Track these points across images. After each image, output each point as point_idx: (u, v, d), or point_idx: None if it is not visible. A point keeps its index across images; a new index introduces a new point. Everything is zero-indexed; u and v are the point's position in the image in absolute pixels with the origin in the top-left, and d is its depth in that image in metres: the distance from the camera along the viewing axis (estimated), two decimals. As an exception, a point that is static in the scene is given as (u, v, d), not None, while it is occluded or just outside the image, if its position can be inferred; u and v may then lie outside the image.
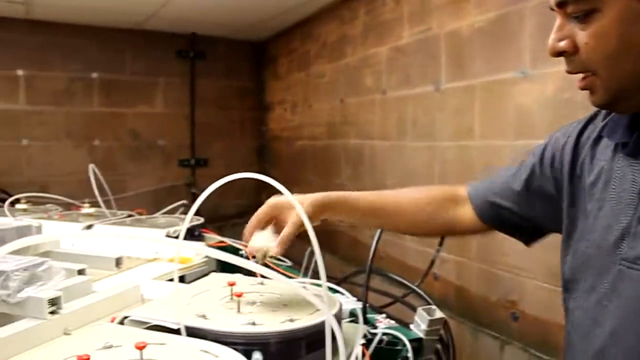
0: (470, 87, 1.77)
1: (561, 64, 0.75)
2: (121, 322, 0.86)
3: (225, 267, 1.76)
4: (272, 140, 3.67)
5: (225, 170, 3.65)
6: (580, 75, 0.74)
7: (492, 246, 1.74)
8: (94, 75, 3.12)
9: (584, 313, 0.83)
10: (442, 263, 1.90)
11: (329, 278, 1.14)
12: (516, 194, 0.97)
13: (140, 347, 0.67)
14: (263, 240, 0.98)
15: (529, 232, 1.00)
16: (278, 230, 0.99)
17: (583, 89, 0.75)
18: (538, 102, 1.52)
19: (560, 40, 0.73)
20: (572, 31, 0.72)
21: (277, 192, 0.80)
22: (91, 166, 1.83)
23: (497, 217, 1.01)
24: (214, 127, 3.54)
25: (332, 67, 2.81)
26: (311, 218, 1.01)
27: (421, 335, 1.09)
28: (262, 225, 1.00)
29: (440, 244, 1.68)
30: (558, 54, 0.74)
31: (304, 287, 1.04)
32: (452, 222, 1.07)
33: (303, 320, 0.84)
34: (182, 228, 0.86)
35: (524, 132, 1.57)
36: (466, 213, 1.06)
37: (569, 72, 0.74)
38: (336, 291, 1.17)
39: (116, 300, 1.07)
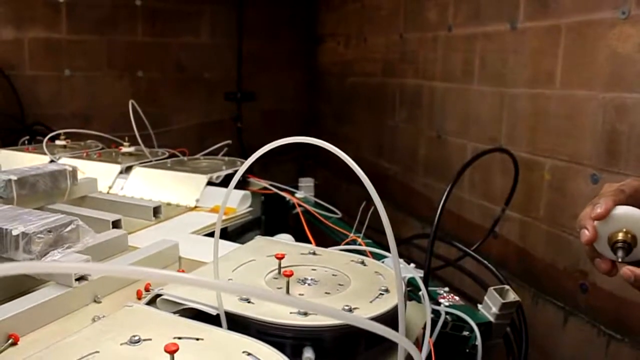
0: (555, 27, 1.55)
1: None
2: (153, 300, 0.75)
3: (268, 214, 1.66)
4: (322, 75, 3.49)
5: (272, 104, 3.55)
6: None
7: (563, 207, 1.57)
8: (138, 2, 2.97)
9: None
10: (504, 221, 1.75)
11: (384, 235, 1.01)
12: None
13: (171, 351, 0.56)
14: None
15: None
16: None
17: None
18: (640, 49, 1.31)
19: None
20: None
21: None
22: (131, 102, 1.72)
23: None
24: (262, 60, 3.37)
25: (391, -1, 2.58)
26: None
27: (491, 319, 0.96)
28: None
29: (507, 203, 1.53)
30: None
31: (363, 262, 0.92)
32: None
33: (363, 310, 0.71)
34: (232, 182, 0.73)
35: (618, 84, 1.36)
36: None
37: None
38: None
39: (152, 261, 0.98)
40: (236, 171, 1.60)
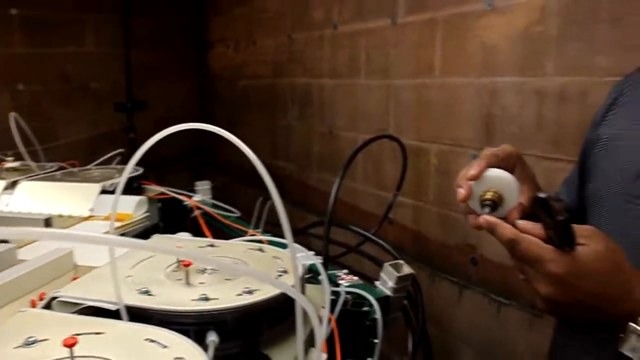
0: (431, 20, 1.65)
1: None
2: (48, 305, 0.73)
3: (166, 219, 1.64)
4: (213, 80, 3.47)
5: (164, 113, 3.48)
6: None
7: (450, 188, 1.67)
8: (13, 11, 2.82)
9: None
10: (398, 207, 1.83)
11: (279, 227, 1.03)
12: None
13: (70, 345, 0.55)
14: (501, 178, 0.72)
15: None
16: None
17: None
18: (505, 36, 1.42)
19: None
20: None
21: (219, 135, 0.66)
22: (12, 115, 1.64)
23: None
24: (151, 68, 3.31)
25: (277, 0, 2.62)
26: None
27: (388, 293, 1.01)
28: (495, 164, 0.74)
29: (398, 189, 1.60)
30: None
31: (260, 249, 0.94)
32: None
33: (263, 291, 0.73)
34: (118, 187, 0.73)
35: (490, 70, 1.48)
36: None
37: None
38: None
39: (45, 271, 0.94)
40: (129, 177, 1.57)
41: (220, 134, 0.65)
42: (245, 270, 0.42)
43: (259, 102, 2.89)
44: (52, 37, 2.96)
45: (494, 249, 1.51)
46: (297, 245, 1.08)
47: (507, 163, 0.74)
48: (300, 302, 0.46)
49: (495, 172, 0.72)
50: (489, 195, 0.71)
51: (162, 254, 0.79)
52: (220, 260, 0.85)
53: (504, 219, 0.71)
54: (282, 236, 1.11)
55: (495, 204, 0.71)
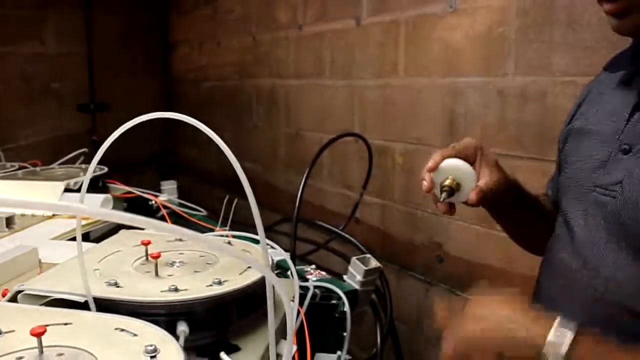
0: (395, 21, 1.68)
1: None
2: (13, 298, 0.72)
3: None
4: (178, 81, 3.44)
5: (128, 115, 3.39)
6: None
7: (415, 187, 1.70)
8: (-32, 9, 2.75)
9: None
10: (364, 206, 1.85)
11: (249, 227, 1.03)
12: None
13: (38, 334, 0.54)
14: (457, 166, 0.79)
15: None
16: None
17: (617, 12, 0.69)
18: (467, 37, 1.45)
19: None
20: None
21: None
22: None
23: None
24: (115, 68, 3.25)
25: (242, 1, 2.62)
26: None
27: (356, 286, 1.03)
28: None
29: (364, 187, 1.62)
30: None
31: (229, 243, 0.94)
32: None
33: (233, 282, 0.74)
34: (85, 180, 0.72)
35: (452, 70, 1.51)
36: None
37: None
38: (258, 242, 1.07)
39: (7, 269, 0.92)
40: (94, 175, 1.55)
41: (192, 123, 0.65)
42: (232, 250, 0.43)
43: (225, 103, 2.88)
44: (9, 35, 2.88)
45: (460, 247, 1.53)
46: (266, 240, 1.08)
47: (465, 154, 0.81)
48: (271, 280, 0.47)
49: (449, 162, 0.79)
50: (446, 183, 0.79)
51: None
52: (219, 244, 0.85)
53: (465, 202, 0.79)
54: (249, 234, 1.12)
55: (452, 190, 0.78)
